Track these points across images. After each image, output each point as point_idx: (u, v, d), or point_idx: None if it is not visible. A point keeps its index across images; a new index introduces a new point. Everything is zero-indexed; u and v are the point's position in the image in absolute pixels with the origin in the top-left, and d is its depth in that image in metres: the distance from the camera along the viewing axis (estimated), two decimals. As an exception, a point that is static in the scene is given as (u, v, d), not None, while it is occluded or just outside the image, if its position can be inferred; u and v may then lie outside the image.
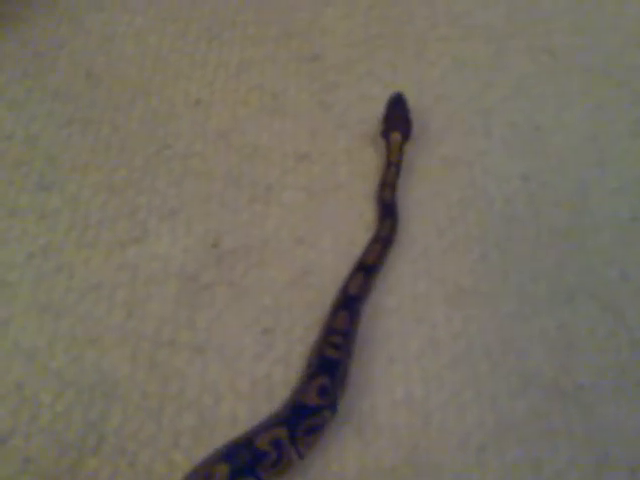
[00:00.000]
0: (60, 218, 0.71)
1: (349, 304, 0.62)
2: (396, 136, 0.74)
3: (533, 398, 0.60)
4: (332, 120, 0.80)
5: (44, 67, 0.85)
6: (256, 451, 0.52)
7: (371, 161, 0.76)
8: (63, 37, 0.89)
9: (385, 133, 0.75)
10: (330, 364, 0.58)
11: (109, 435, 0.58)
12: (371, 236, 0.69)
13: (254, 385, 0.60)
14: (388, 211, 0.70)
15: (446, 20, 0.91)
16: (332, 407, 0.56)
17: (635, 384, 0.60)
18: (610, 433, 0.58)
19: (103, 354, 0.62)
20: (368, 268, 0.65)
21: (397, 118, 0.76)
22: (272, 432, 0.53)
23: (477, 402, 0.59)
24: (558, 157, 0.76)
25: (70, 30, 0.90)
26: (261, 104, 0.82)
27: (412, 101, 0.78)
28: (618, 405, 0.59)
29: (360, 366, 0.61)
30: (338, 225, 0.71)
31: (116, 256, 0.68)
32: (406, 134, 0.75)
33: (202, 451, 0.55)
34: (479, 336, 0.63)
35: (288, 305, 0.65)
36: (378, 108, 0.79)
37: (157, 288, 0.66)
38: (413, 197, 0.73)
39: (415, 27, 0.90)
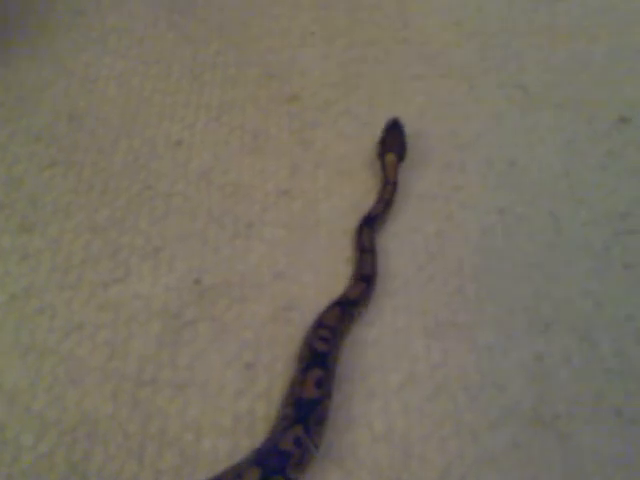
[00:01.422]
0: (42, 259, 0.71)
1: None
2: (391, 157, 0.78)
3: (512, 429, 0.60)
4: (312, 158, 0.82)
5: (27, 110, 0.87)
6: (282, 452, 0.54)
7: (350, 197, 0.78)
8: (46, 80, 0.91)
9: (381, 155, 0.79)
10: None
11: (91, 476, 0.58)
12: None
13: (236, 421, 0.61)
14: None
15: (421, 59, 0.94)
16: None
17: (610, 412, 0.61)
18: (588, 461, 0.58)
19: (85, 394, 0.62)
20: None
21: (393, 141, 0.80)
22: (292, 432, 0.55)
23: (457, 434, 0.60)
24: (532, 191, 0.78)
25: (52, 73, 0.92)
26: (242, 144, 0.84)
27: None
28: (595, 433, 0.60)
29: (340, 401, 0.61)
30: (318, 260, 0.73)
31: (98, 296, 0.69)
32: (401, 156, 0.79)
33: (184, 489, 0.55)
34: (458, 368, 0.64)
35: (270, 340, 0.66)
36: (356, 145, 0.82)
37: (139, 327, 0.66)
38: (392, 231, 0.75)
39: (391, 66, 0.93)
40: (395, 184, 0.77)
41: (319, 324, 0.64)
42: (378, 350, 0.65)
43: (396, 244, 0.73)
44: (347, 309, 0.66)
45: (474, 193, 0.78)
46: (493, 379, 0.63)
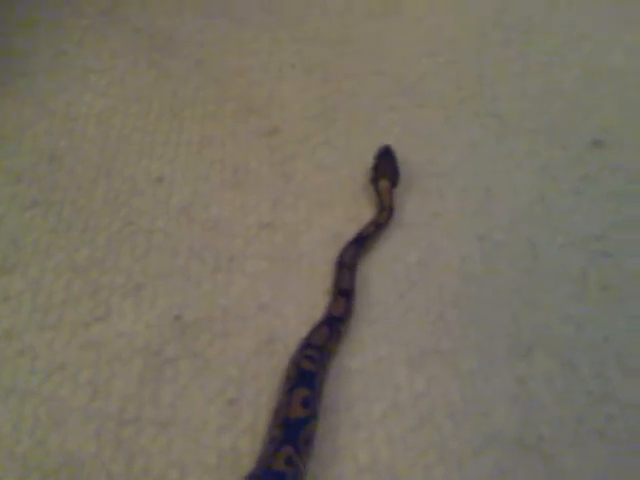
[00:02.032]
0: (23, 300, 0.71)
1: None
2: (385, 183, 0.80)
3: (497, 454, 0.60)
4: (292, 190, 0.83)
5: (8, 150, 0.87)
6: (276, 473, 0.54)
7: (331, 228, 0.79)
8: (26, 120, 0.92)
9: (375, 181, 0.80)
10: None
11: (75, 518, 0.57)
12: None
13: (220, 457, 0.60)
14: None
15: (397, 90, 0.95)
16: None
17: (592, 433, 0.61)
18: (572, 485, 0.59)
19: (68, 435, 0.62)
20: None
21: (385, 167, 0.82)
22: (282, 452, 0.55)
23: (442, 462, 0.60)
24: (509, 217, 0.79)
25: (34, 113, 0.93)
26: (222, 178, 0.84)
27: (367, 167, 0.82)
28: (578, 455, 0.60)
29: (325, 432, 0.61)
30: (300, 292, 0.73)
31: (80, 336, 0.69)
32: (394, 181, 0.80)
33: (169, 529, 0.55)
34: (442, 396, 0.64)
35: (253, 374, 0.66)
36: (336, 177, 0.83)
37: (121, 366, 0.66)
38: (373, 260, 0.75)
39: (368, 98, 0.94)
40: (392, 210, 0.78)
41: (306, 343, 0.65)
42: (361, 380, 0.65)
43: (377, 272, 0.74)
44: (334, 326, 0.67)
45: (453, 220, 0.79)
46: (477, 405, 0.64)
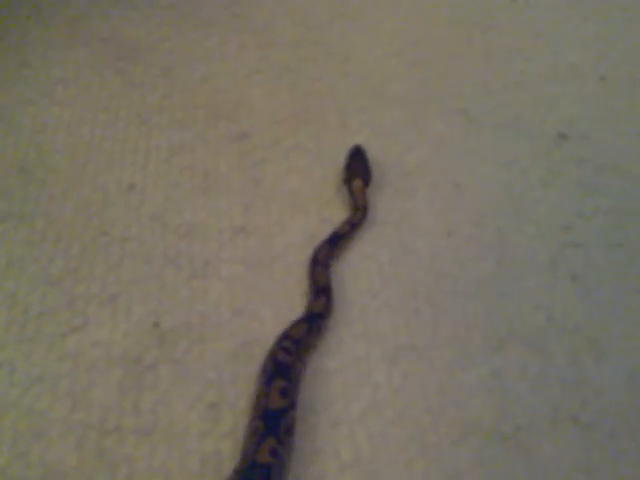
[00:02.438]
0: (-2, 314, 0.71)
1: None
2: (358, 183, 0.81)
3: (476, 445, 0.62)
4: (264, 194, 0.84)
5: (-23, 166, 0.87)
6: (262, 465, 0.55)
7: (304, 230, 0.79)
8: (-6, 135, 0.91)
9: (347, 181, 0.81)
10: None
11: (59, 530, 0.57)
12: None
13: (203, 463, 0.61)
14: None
15: (364, 91, 0.96)
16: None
17: (568, 419, 0.63)
18: (551, 470, 0.60)
19: (49, 447, 0.61)
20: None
21: (357, 167, 0.83)
22: (266, 444, 0.56)
23: (422, 455, 0.61)
24: (478, 211, 0.81)
25: (1, 127, 0.92)
26: (193, 184, 0.85)
27: (338, 168, 0.83)
28: (555, 442, 0.62)
29: (306, 432, 0.62)
30: (276, 294, 0.73)
31: (57, 347, 0.68)
32: (366, 180, 0.82)
33: (154, 535, 0.55)
34: (419, 391, 0.65)
35: (232, 377, 0.66)
36: (307, 179, 0.84)
37: (100, 375, 0.66)
38: (346, 261, 0.76)
39: (336, 100, 0.95)
40: (365, 209, 0.79)
41: (283, 336, 0.66)
42: (340, 379, 0.66)
43: (351, 272, 0.75)
44: (314, 322, 0.68)
45: (423, 217, 0.80)
46: (453, 398, 0.65)
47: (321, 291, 0.71)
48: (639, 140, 0.90)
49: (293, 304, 0.72)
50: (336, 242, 0.76)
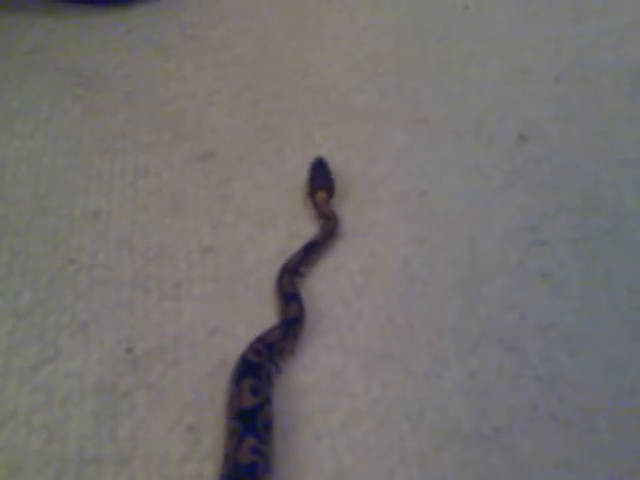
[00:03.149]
0: (-33, 350, 0.70)
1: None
2: (322, 195, 0.82)
3: (456, 449, 0.62)
4: (231, 211, 0.84)
5: (-63, 202, 0.85)
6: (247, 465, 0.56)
7: (274, 245, 0.79)
8: (-47, 170, 0.89)
9: (312, 194, 0.82)
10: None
11: None
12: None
13: (185, 486, 0.60)
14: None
15: (325, 105, 0.97)
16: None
17: (546, 417, 0.64)
18: (533, 469, 0.60)
19: (26, 483, 0.60)
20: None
21: (320, 179, 0.84)
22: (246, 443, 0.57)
23: (404, 463, 0.61)
24: (445, 217, 0.82)
25: (-40, 162, 0.91)
26: (160, 206, 0.84)
27: (303, 183, 0.84)
28: (534, 440, 0.62)
29: (287, 446, 0.61)
30: (250, 311, 0.73)
31: (29, 380, 0.67)
32: (330, 192, 0.82)
33: None
34: (397, 398, 0.65)
35: (209, 398, 0.66)
36: (274, 195, 0.84)
37: (75, 406, 0.65)
38: (317, 273, 0.76)
39: (297, 115, 0.96)
40: (336, 217, 0.80)
41: (256, 339, 0.67)
42: (318, 392, 0.66)
43: (323, 284, 0.75)
44: (289, 327, 0.69)
45: (391, 227, 0.81)
46: (432, 403, 0.65)
47: (291, 297, 0.72)
48: (596, 138, 0.92)
49: (268, 320, 0.72)
50: (310, 250, 0.77)
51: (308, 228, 0.81)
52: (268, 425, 0.60)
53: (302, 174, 0.85)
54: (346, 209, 0.83)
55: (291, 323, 0.70)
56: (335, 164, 0.86)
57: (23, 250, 0.79)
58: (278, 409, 0.63)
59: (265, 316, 0.72)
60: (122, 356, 0.69)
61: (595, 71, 1.02)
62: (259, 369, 0.64)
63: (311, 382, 0.67)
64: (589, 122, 0.94)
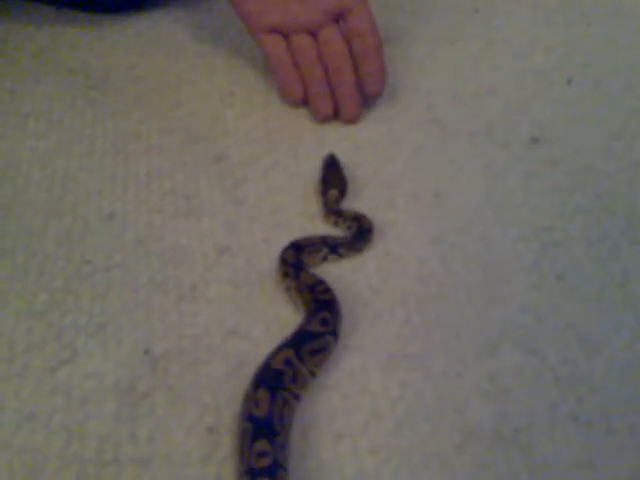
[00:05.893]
0: (-16, 352, 0.69)
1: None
2: (334, 193, 0.82)
3: (477, 450, 0.62)
4: (246, 213, 0.83)
5: (-50, 204, 0.85)
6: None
7: (289, 247, 0.79)
8: (-34, 173, 0.89)
9: (324, 193, 0.82)
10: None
11: None
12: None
13: (206, 488, 0.60)
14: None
15: (338, 107, 0.97)
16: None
17: (566, 418, 0.63)
18: (553, 470, 0.60)
19: (46, 484, 0.60)
20: None
21: (333, 177, 0.84)
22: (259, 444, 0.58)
23: (425, 464, 0.61)
24: (460, 218, 0.81)
25: (-27, 164, 0.91)
26: (175, 208, 0.84)
27: (317, 183, 0.84)
28: (555, 441, 0.62)
29: (308, 448, 0.61)
30: (268, 312, 0.73)
31: (47, 381, 0.67)
32: (342, 191, 0.83)
33: None
34: (417, 399, 0.65)
35: (228, 399, 0.65)
36: (288, 196, 0.84)
37: (94, 407, 0.65)
38: (333, 274, 0.76)
39: (310, 117, 0.95)
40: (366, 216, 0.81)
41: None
42: (339, 393, 0.66)
43: (340, 286, 0.75)
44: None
45: (406, 227, 0.81)
46: (452, 404, 0.65)
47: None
48: (610, 139, 0.91)
49: (285, 322, 0.72)
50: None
51: (323, 230, 0.81)
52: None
53: (316, 175, 0.85)
54: (361, 209, 0.82)
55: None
56: (350, 165, 0.86)
57: (39, 251, 0.79)
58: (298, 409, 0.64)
59: (281, 318, 0.72)
60: (140, 357, 0.69)
61: (607, 73, 1.02)
62: (281, 376, 0.64)
63: (332, 383, 0.66)
64: (602, 124, 0.94)
